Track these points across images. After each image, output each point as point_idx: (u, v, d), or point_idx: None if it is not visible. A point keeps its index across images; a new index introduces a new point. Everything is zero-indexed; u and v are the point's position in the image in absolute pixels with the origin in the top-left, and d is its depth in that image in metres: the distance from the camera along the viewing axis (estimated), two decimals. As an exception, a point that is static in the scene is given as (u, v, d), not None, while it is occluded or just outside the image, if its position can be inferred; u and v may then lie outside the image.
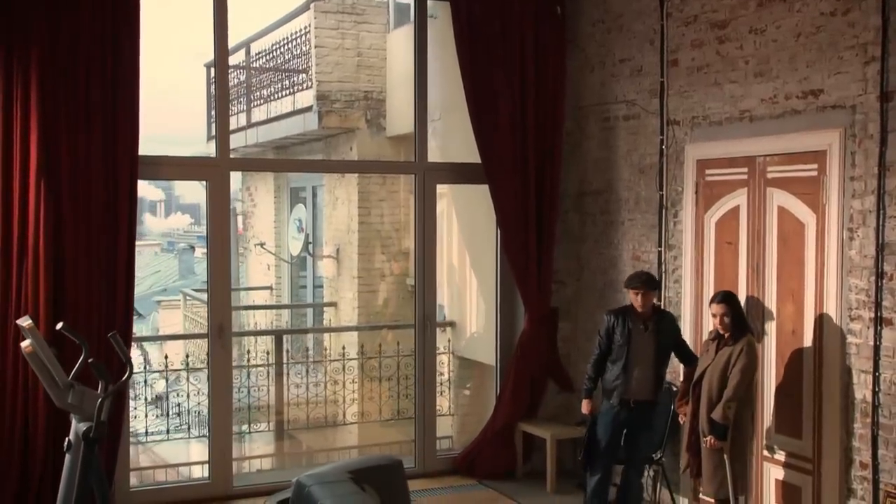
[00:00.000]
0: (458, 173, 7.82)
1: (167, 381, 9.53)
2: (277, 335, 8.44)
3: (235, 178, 15.27)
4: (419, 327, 7.61)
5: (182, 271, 30.09)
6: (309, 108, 10.34)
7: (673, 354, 6.21)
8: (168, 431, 9.02)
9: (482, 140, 7.33)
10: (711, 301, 5.75)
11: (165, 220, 42.60)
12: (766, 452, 5.93)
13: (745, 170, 6.08)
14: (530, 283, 7.47)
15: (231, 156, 7.10)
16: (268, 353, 9.40)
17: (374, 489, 5.23)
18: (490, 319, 8.13)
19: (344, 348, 9.32)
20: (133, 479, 6.99)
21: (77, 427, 4.73)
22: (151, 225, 40.17)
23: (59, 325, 5.12)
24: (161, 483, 7.53)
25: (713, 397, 5.58)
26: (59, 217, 6.04)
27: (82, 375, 5.02)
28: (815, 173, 5.57)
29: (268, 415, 9.08)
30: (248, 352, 9.72)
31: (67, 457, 4.76)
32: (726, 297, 5.69)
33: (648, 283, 6.07)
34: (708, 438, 5.57)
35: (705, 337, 6.01)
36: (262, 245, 11.71)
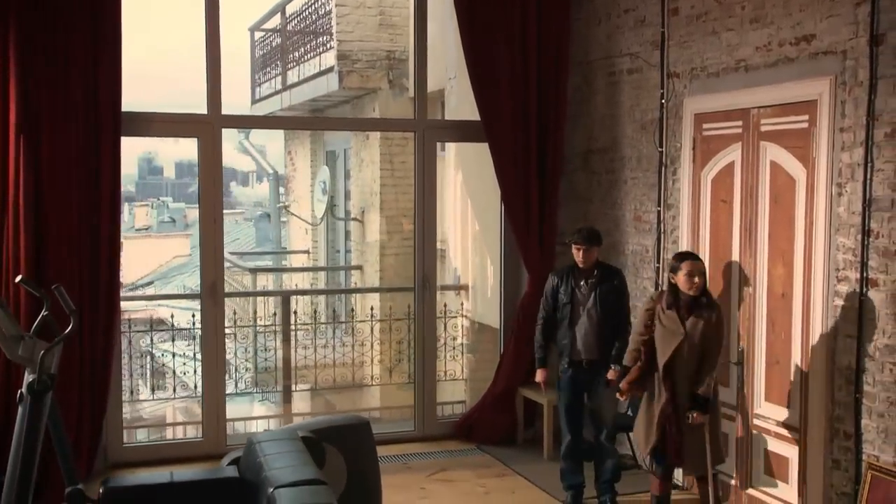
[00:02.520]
0: (460, 131, 7.62)
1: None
2: (284, 296, 8.39)
3: (278, 142, 15.35)
4: (418, 290, 7.47)
5: (259, 239, 30.59)
6: (331, 69, 10.22)
7: None
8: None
9: (481, 96, 7.12)
10: (681, 258, 5.22)
11: (253, 189, 43.24)
12: (755, 422, 5.64)
13: (740, 123, 5.75)
14: (532, 244, 7.25)
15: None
16: (294, 314, 9.30)
17: (339, 448, 5.15)
18: (497, 282, 7.94)
19: (372, 309, 9.22)
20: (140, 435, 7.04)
21: (26, 379, 4.73)
22: (240, 195, 40.82)
23: (18, 279, 5.13)
24: (154, 441, 7.55)
25: (692, 371, 5.16)
26: (38, 173, 6.04)
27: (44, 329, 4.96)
28: (805, 125, 5.22)
29: (288, 377, 8.99)
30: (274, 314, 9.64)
31: (20, 409, 4.77)
32: (696, 256, 5.35)
33: (589, 238, 5.86)
34: (692, 415, 5.15)
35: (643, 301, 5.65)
36: (285, 207, 11.68)
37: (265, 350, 8.85)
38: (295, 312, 8.50)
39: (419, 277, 7.46)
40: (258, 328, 9.17)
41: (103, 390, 6.34)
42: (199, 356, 9.19)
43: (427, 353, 7.52)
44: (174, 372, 9.17)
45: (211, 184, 6.82)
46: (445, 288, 9.25)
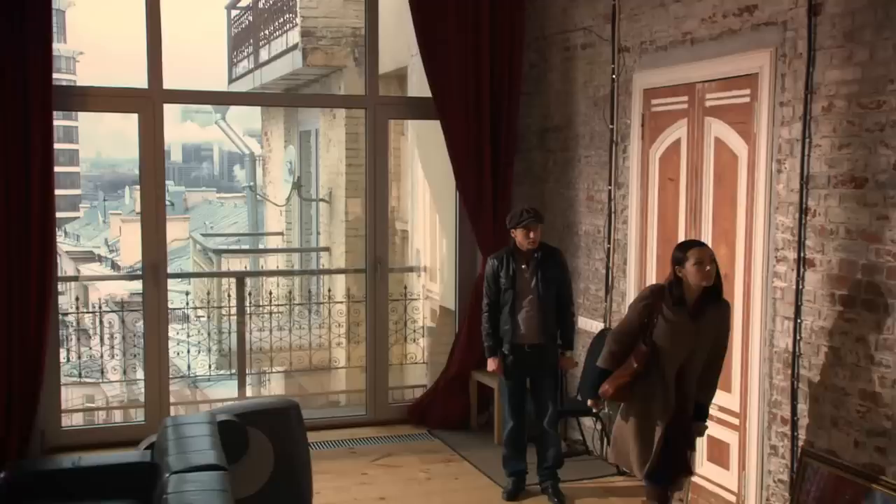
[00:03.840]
0: (413, 108, 7.43)
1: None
2: (239, 277, 8.21)
3: (255, 123, 15.16)
4: (369, 271, 7.29)
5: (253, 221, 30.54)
6: (295, 47, 10.01)
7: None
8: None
9: (432, 72, 6.91)
10: (685, 248, 4.42)
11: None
12: (699, 406, 5.46)
13: (686, 98, 5.55)
14: (485, 224, 7.06)
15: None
16: (249, 296, 9.16)
17: (265, 432, 5.00)
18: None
19: (329, 291, 9.05)
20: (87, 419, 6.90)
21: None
22: (244, 178, 40.59)
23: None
24: (96, 424, 7.41)
25: (698, 377, 4.55)
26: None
27: None
28: (748, 100, 5.02)
29: (243, 360, 8.81)
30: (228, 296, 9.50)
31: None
32: (702, 242, 4.64)
33: (539, 217, 5.57)
34: (698, 426, 4.66)
35: (633, 294, 5.07)
36: (250, 188, 11.48)
37: (229, 333, 8.60)
38: (250, 294, 8.33)
39: (370, 259, 7.28)
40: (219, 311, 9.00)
41: (36, 371, 6.17)
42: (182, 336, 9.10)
43: (378, 337, 7.35)
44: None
45: (152, 161, 6.63)
46: (406, 270, 9.09)
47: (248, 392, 8.01)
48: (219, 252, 11.17)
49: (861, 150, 4.26)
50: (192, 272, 11.19)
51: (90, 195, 55.35)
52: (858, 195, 4.28)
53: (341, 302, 8.73)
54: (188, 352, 8.68)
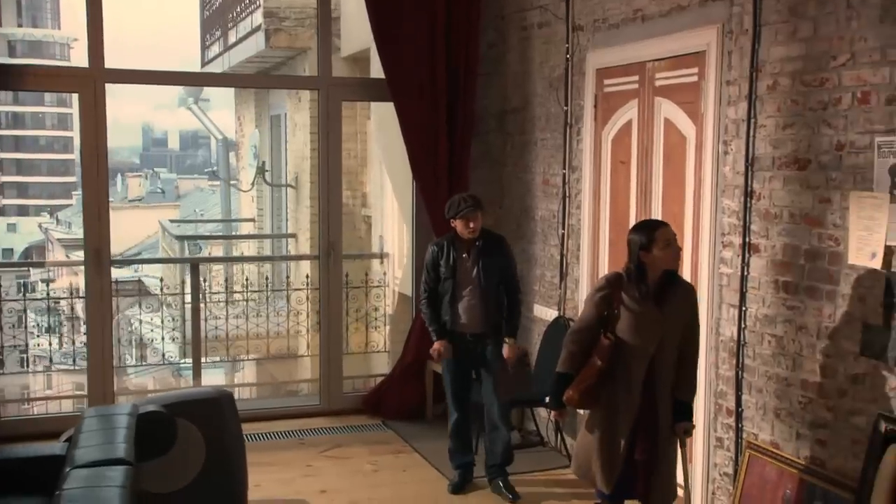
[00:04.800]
0: (368, 90, 7.23)
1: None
2: (193, 263, 8.00)
3: (230, 108, 14.92)
4: (322, 258, 7.10)
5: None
6: (258, 28, 9.78)
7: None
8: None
9: (385, 52, 6.70)
10: (652, 228, 4.01)
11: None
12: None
13: (637, 78, 5.35)
14: (441, 210, 6.83)
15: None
16: (205, 282, 8.94)
17: (196, 423, 4.82)
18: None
19: (288, 278, 8.86)
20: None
21: None
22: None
23: None
24: (36, 415, 7.22)
25: (670, 373, 4.06)
26: None
27: None
28: (696, 78, 4.83)
29: (198, 348, 8.52)
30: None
31: None
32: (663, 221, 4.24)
33: (479, 204, 5.34)
34: (683, 426, 4.10)
35: (587, 281, 4.40)
36: (214, 172, 11.27)
37: (185, 321, 8.36)
38: (205, 280, 8.12)
39: (323, 244, 7.08)
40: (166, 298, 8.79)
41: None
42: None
43: (332, 324, 7.16)
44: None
45: (93, 144, 6.42)
46: (365, 256, 8.89)
47: (205, 381, 7.82)
48: (181, 238, 10.97)
49: (804, 130, 4.07)
50: (143, 258, 10.95)
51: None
52: (801, 177, 4.09)
53: (301, 289, 8.52)
54: (162, 339, 8.49)
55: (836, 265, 3.90)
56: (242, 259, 10.16)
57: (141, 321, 10.49)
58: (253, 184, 11.24)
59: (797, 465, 4.12)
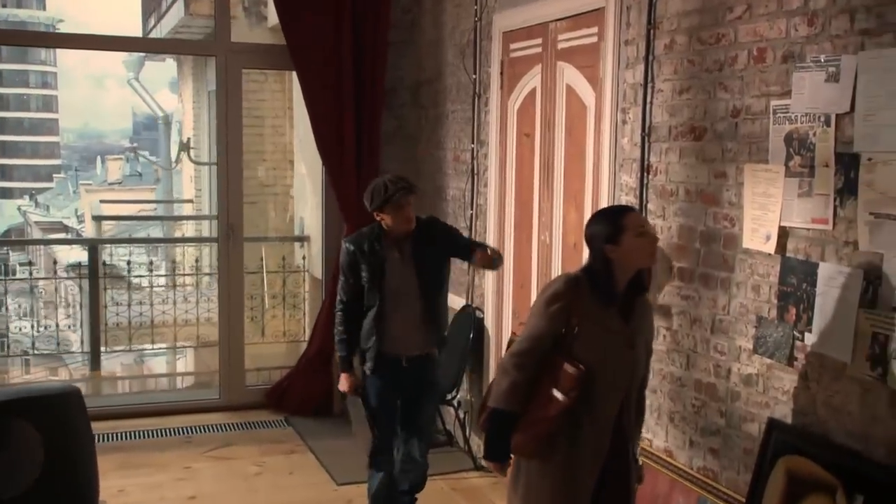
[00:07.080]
0: (272, 57, 6.66)
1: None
2: (91, 245, 7.42)
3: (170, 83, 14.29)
4: (222, 240, 6.56)
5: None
6: (178, -6, 9.20)
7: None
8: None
9: (285, 16, 6.15)
10: (619, 214, 3.02)
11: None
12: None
13: (540, 41, 4.82)
14: (348, 188, 6.31)
15: None
16: (104, 265, 8.24)
17: (34, 423, 4.29)
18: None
19: (196, 262, 8.28)
20: None
21: None
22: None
23: None
24: None
25: (635, 409, 3.16)
26: None
27: None
28: (595, 39, 4.30)
29: (96, 336, 7.80)
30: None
31: None
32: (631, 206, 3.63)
33: (410, 186, 4.14)
34: (637, 470, 3.21)
35: (549, 288, 3.00)
36: (134, 150, 10.70)
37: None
38: (105, 264, 7.55)
39: (223, 226, 6.54)
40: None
41: None
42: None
43: (233, 312, 6.62)
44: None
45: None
46: (282, 239, 8.35)
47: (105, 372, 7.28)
48: (98, 219, 10.40)
49: (701, 95, 3.55)
50: (18, 239, 10.37)
51: (82, 166, 54.16)
52: (697, 148, 3.57)
53: (212, 273, 7.97)
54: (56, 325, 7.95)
55: (730, 249, 3.39)
56: (146, 240, 9.59)
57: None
58: (176, 161, 10.65)
59: (690, 476, 3.62)
